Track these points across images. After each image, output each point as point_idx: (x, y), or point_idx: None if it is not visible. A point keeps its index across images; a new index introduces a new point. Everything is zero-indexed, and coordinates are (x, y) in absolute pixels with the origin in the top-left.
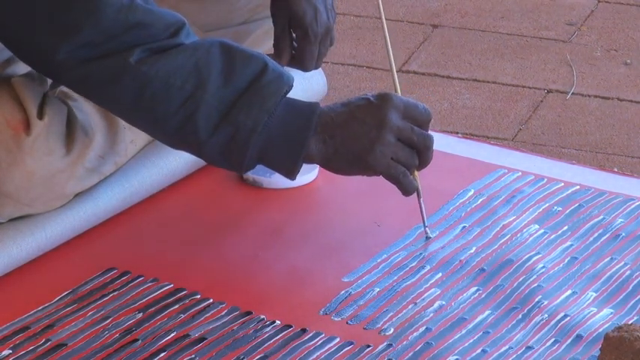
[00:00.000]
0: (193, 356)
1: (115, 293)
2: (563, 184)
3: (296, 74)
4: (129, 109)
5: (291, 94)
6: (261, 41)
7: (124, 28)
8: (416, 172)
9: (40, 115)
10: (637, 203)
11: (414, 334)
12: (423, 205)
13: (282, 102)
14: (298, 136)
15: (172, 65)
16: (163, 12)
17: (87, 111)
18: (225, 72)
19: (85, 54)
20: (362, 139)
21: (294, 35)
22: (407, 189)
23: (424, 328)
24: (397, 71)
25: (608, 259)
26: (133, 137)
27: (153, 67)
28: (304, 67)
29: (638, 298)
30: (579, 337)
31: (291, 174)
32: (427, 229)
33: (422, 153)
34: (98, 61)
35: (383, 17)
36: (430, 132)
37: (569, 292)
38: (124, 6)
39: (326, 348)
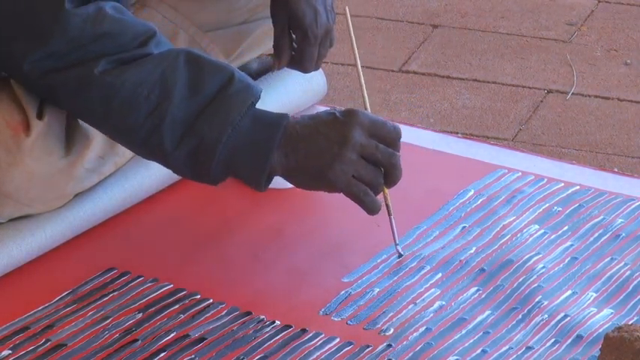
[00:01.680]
0: (193, 356)
1: (115, 293)
2: (563, 184)
3: (296, 74)
4: (99, 119)
5: (291, 95)
6: (261, 41)
7: (91, 38)
8: (386, 190)
9: (40, 116)
10: (637, 203)
11: (414, 334)
12: (394, 223)
13: (250, 113)
14: (263, 148)
15: (139, 76)
16: (133, 21)
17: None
18: (191, 82)
19: (50, 64)
20: (324, 154)
21: (293, 36)
22: (369, 208)
23: (424, 328)
24: (397, 71)
25: (608, 259)
26: None
27: (119, 78)
28: (304, 69)
29: (638, 298)
30: (579, 337)
31: (257, 186)
32: (398, 247)
33: (388, 171)
34: (64, 72)
35: (354, 45)
36: (430, 132)
37: (569, 292)
38: (91, 15)
39: (326, 348)
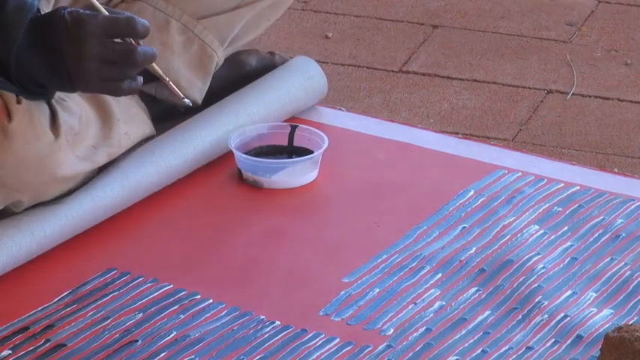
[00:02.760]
0: (193, 357)
1: (115, 293)
2: (563, 184)
3: (296, 74)
4: None
5: (291, 95)
6: (255, 25)
7: None
8: (153, 65)
9: (19, 100)
10: (637, 204)
11: (414, 334)
12: (172, 84)
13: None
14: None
15: None
16: None
17: (75, 110)
18: None
19: None
20: (64, 74)
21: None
22: (127, 95)
23: (424, 328)
24: (397, 71)
25: (608, 259)
26: (127, 129)
27: None
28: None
29: (638, 298)
30: (579, 337)
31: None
32: (185, 100)
33: (130, 66)
34: None
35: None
36: (430, 132)
37: (569, 292)
38: None
39: (326, 348)
